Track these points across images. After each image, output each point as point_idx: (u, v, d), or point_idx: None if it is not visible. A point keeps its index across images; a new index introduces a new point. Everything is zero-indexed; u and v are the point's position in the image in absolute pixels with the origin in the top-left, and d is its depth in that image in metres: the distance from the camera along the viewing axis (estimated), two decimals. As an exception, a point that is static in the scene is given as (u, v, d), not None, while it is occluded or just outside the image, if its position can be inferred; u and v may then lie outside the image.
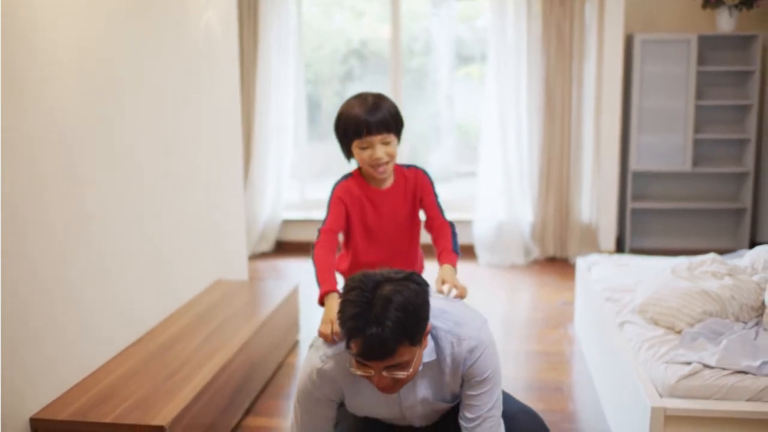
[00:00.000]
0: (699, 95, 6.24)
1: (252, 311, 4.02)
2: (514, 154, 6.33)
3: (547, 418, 2.47)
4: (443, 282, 2.45)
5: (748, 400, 2.69)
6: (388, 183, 2.72)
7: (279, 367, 4.14)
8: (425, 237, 2.83)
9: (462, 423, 2.19)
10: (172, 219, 3.94)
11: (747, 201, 6.33)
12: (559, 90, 6.23)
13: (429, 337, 2.11)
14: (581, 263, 4.59)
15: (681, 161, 6.28)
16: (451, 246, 2.65)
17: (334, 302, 2.20)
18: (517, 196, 6.39)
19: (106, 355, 3.29)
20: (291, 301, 4.42)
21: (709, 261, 3.55)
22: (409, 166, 2.79)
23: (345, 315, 1.92)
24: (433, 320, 2.11)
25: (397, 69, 6.68)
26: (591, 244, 6.33)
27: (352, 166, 2.81)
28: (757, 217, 6.44)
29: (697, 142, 6.31)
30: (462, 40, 6.88)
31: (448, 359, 2.14)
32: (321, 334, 2.19)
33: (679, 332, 3.14)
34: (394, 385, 2.00)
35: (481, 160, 6.42)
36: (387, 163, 2.61)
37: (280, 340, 4.16)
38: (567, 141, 6.30)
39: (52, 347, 2.88)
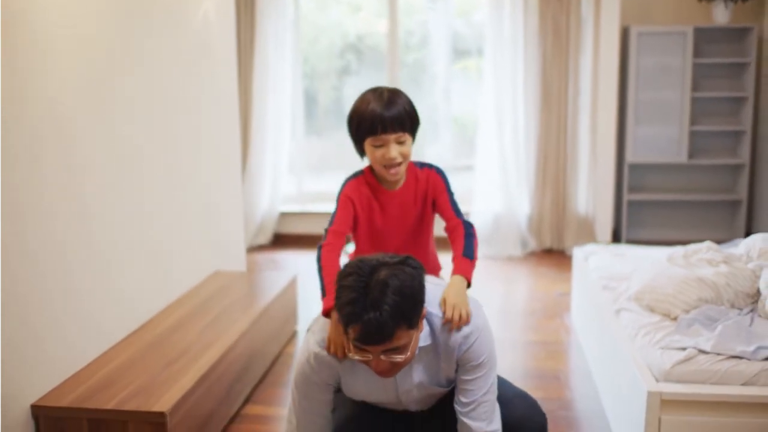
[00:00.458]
0: (695, 87, 6.27)
1: (250, 302, 4.04)
2: (511, 147, 6.35)
3: (544, 406, 2.49)
4: (444, 302, 2.21)
5: (743, 384, 2.71)
6: (399, 184, 2.54)
7: (277, 356, 4.16)
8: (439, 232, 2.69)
9: (457, 407, 2.21)
10: (170, 210, 3.96)
11: (743, 192, 6.36)
12: (555, 83, 6.25)
13: (424, 321, 2.13)
14: (578, 253, 4.62)
15: (677, 153, 6.31)
16: (462, 251, 2.43)
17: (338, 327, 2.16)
18: (514, 188, 6.42)
19: (105, 345, 3.31)
20: (289, 291, 4.44)
21: (704, 249, 3.57)
22: (422, 166, 2.59)
23: (342, 300, 1.93)
24: (428, 306, 2.12)
25: (394, 63, 6.70)
26: (587, 236, 6.35)
27: (362, 162, 2.63)
28: (753, 209, 6.47)
29: (693, 134, 6.34)
30: (459, 34, 6.90)
31: (443, 344, 2.16)
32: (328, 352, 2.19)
33: (675, 319, 3.16)
34: (392, 369, 2.01)
35: (478, 153, 6.45)
36: (400, 164, 2.44)
37: (278, 331, 4.18)
38: (563, 133, 6.32)
39: (51, 336, 2.90)
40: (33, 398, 2.79)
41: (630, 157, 6.34)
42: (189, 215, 4.21)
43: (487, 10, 6.22)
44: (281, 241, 6.87)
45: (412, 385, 2.21)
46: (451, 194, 2.57)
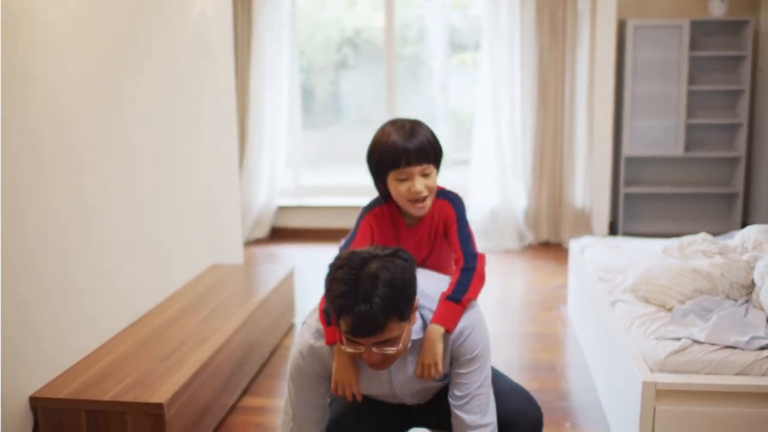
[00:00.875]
0: (691, 80, 6.28)
1: (247, 294, 4.05)
2: (508, 140, 6.36)
3: (540, 397, 2.50)
4: (419, 362, 2.16)
5: (737, 374, 2.73)
6: (416, 219, 2.40)
7: (275, 349, 4.18)
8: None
9: (451, 401, 2.21)
10: (168, 204, 3.97)
11: (739, 185, 6.37)
12: (552, 76, 6.26)
13: (417, 314, 2.13)
14: (574, 245, 4.63)
15: (673, 146, 6.32)
16: (450, 292, 2.20)
17: (345, 359, 2.15)
18: (511, 182, 6.43)
19: (103, 337, 3.32)
20: (286, 284, 4.46)
21: (699, 240, 3.59)
22: (440, 195, 2.40)
23: (333, 293, 1.93)
24: (421, 299, 2.13)
25: (391, 57, 6.70)
26: (584, 229, 6.36)
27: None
28: (749, 202, 6.48)
29: (689, 127, 6.35)
30: (455, 27, 6.90)
31: None
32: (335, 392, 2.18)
33: (670, 310, 3.18)
34: (384, 361, 2.02)
35: (475, 147, 6.46)
36: (426, 198, 2.29)
37: (275, 323, 4.20)
38: (560, 127, 6.33)
39: (49, 329, 2.91)
40: (31, 390, 2.81)
41: (627, 150, 6.36)
42: (186, 209, 4.22)
43: (484, 4, 6.22)
44: (279, 234, 6.88)
45: (407, 378, 2.22)
46: (462, 225, 2.38)
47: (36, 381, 2.84)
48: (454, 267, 2.34)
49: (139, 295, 3.67)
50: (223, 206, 4.83)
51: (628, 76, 6.25)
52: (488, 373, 2.23)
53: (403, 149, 2.24)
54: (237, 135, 5.23)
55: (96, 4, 3.25)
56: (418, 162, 2.25)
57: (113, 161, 3.39)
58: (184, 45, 4.19)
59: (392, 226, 2.40)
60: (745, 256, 3.41)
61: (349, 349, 1.98)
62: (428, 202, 2.31)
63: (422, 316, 2.16)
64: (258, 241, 6.73)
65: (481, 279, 2.27)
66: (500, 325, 4.56)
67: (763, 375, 2.71)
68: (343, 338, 1.98)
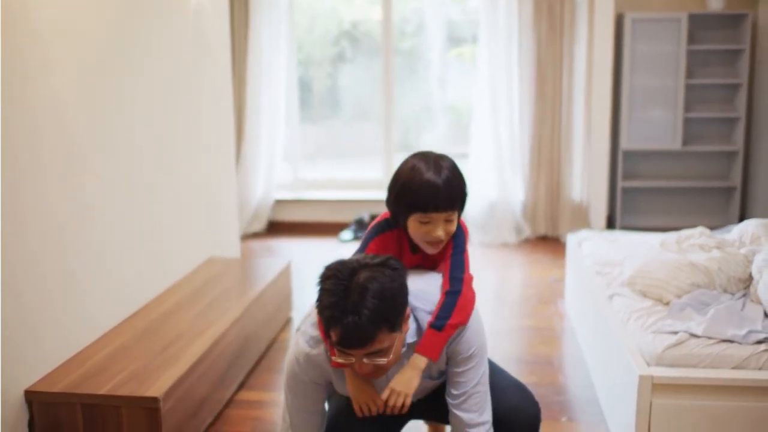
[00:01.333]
0: (689, 74, 6.26)
1: (244, 288, 4.04)
2: (506, 134, 6.35)
3: (537, 391, 2.50)
4: (390, 388, 2.14)
5: (734, 368, 2.72)
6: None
7: (272, 342, 4.17)
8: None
9: (448, 399, 2.21)
10: (165, 198, 3.96)
11: (737, 179, 6.37)
12: (550, 70, 6.24)
13: (411, 318, 2.12)
14: (572, 239, 4.63)
15: (671, 140, 6.31)
16: (434, 318, 2.15)
17: (357, 378, 2.14)
18: (509, 175, 6.42)
19: (99, 331, 3.31)
20: (283, 278, 4.45)
21: (697, 234, 3.59)
22: None
23: (322, 304, 1.92)
24: (415, 301, 2.12)
25: (389, 50, 6.69)
26: (582, 223, 6.36)
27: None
28: (747, 196, 6.47)
29: (687, 121, 6.34)
30: (453, 21, 6.88)
31: None
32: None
33: (667, 304, 3.17)
34: (376, 371, 2.00)
35: (473, 141, 6.45)
36: (443, 241, 2.25)
37: (272, 317, 4.19)
38: (558, 121, 6.32)
39: (45, 322, 2.91)
40: (27, 384, 2.80)
41: (624, 143, 6.34)
42: (183, 202, 4.21)
43: (482, -3, 6.21)
44: (276, 228, 6.87)
45: None
46: (456, 253, 2.30)
47: (31, 375, 2.83)
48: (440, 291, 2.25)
49: (136, 288, 3.66)
50: (220, 200, 4.82)
51: (625, 70, 6.23)
52: (485, 371, 2.22)
53: (434, 198, 2.15)
54: (234, 129, 5.22)
55: (94, 1, 3.25)
56: (445, 210, 2.18)
57: (109, 154, 3.38)
58: (181, 40, 4.18)
59: (398, 251, 2.34)
60: (742, 250, 3.40)
61: (340, 360, 1.97)
62: (443, 245, 2.26)
63: (417, 319, 2.15)
64: (255, 235, 6.72)
65: (468, 301, 2.21)
66: (497, 319, 4.55)
67: (760, 369, 2.71)
68: (334, 349, 1.97)
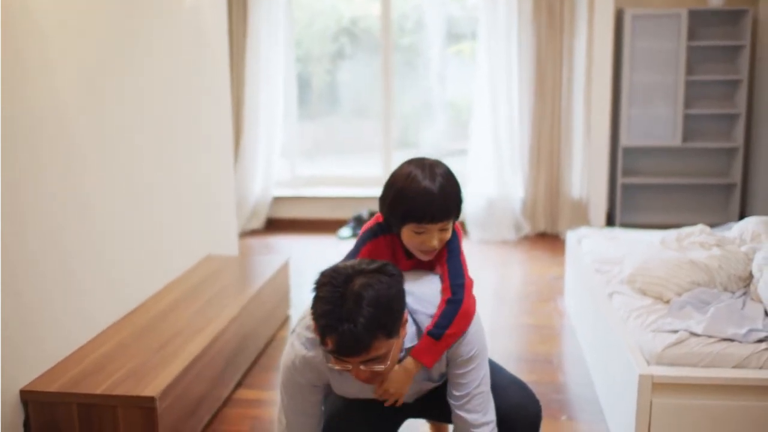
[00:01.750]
0: (689, 70, 6.24)
1: (242, 285, 4.03)
2: (505, 130, 6.33)
3: (537, 390, 2.48)
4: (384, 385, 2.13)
5: (734, 367, 2.70)
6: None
7: (270, 340, 4.16)
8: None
9: (450, 401, 2.19)
10: (163, 195, 3.94)
11: (737, 176, 6.35)
12: (549, 66, 6.22)
13: (410, 322, 2.10)
14: (571, 236, 4.61)
15: (671, 136, 6.29)
16: (433, 326, 2.12)
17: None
18: (508, 172, 6.40)
19: (96, 329, 3.29)
20: (281, 275, 4.43)
21: (697, 232, 3.57)
22: None
23: (317, 312, 1.89)
24: (415, 304, 2.10)
25: (388, 47, 6.66)
26: (581, 220, 6.34)
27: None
28: (747, 193, 6.46)
29: (687, 117, 6.32)
30: (453, 17, 6.86)
31: None
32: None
33: (667, 302, 3.15)
34: (374, 377, 1.99)
35: (472, 137, 6.43)
36: (437, 250, 2.20)
37: (270, 314, 4.18)
38: (558, 117, 6.30)
39: (42, 321, 2.89)
40: (23, 383, 2.78)
41: (624, 140, 6.33)
42: (181, 200, 4.19)
43: (481, -7, 6.19)
44: (274, 225, 6.85)
45: None
46: (452, 257, 2.25)
47: (28, 373, 2.81)
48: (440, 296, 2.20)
49: (134, 286, 3.64)
50: (218, 197, 4.80)
51: (625, 66, 6.21)
52: (486, 372, 2.21)
53: (429, 209, 2.10)
54: (232, 126, 5.20)
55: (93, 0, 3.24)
56: (441, 220, 2.14)
57: (108, 152, 3.37)
58: (180, 38, 4.16)
59: (392, 256, 2.29)
60: (743, 248, 3.39)
61: (337, 367, 1.95)
62: (436, 252, 2.22)
63: (417, 322, 2.13)
64: (254, 232, 6.71)
65: (468, 310, 2.17)
66: (497, 317, 4.54)
67: (761, 368, 2.69)
68: (331, 357, 1.95)
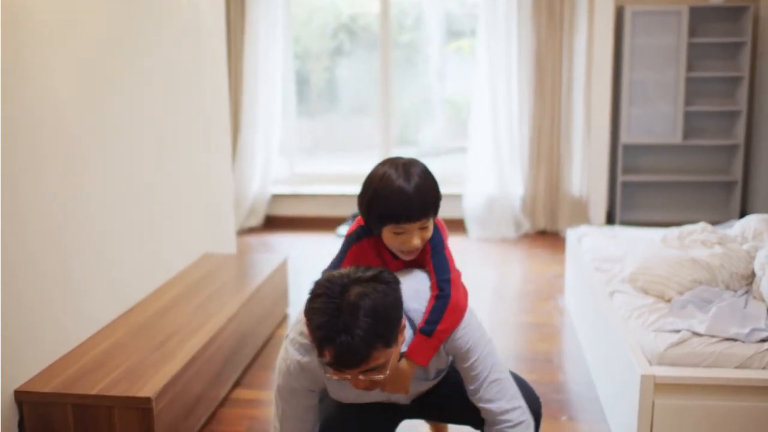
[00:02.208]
0: (690, 67, 6.21)
1: (240, 284, 4.00)
2: (505, 128, 6.30)
3: (537, 389, 2.45)
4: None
5: (737, 367, 2.68)
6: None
7: (268, 339, 4.13)
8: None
9: (470, 397, 2.16)
10: (161, 193, 3.92)
11: (738, 173, 6.32)
12: (549, 63, 6.19)
13: (407, 327, 2.07)
14: (571, 234, 4.58)
15: (672, 134, 6.26)
16: (424, 323, 2.10)
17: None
18: (508, 169, 6.38)
19: (93, 328, 3.27)
20: (280, 273, 4.40)
21: (699, 230, 3.54)
22: None
23: (313, 324, 1.84)
24: (410, 303, 2.07)
25: (387, 44, 6.63)
26: (581, 218, 6.32)
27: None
28: (748, 190, 6.43)
29: (687, 115, 6.29)
30: (452, 14, 6.83)
31: None
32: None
33: (669, 301, 3.13)
34: (373, 385, 1.95)
35: (471, 135, 6.39)
36: (420, 248, 2.17)
37: (268, 313, 4.15)
38: (557, 114, 6.27)
39: (38, 320, 2.86)
40: (17, 383, 2.75)
41: (624, 137, 6.30)
42: (179, 198, 4.17)
43: (481, -10, 6.16)
44: (273, 223, 6.82)
45: None
46: (436, 253, 2.22)
47: (23, 373, 2.78)
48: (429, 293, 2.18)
49: (132, 284, 3.62)
50: (216, 195, 4.78)
51: (626, 63, 6.18)
52: (495, 359, 2.17)
53: (406, 209, 2.07)
54: (230, 122, 5.17)
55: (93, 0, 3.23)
56: (419, 219, 2.10)
57: (106, 149, 3.35)
58: (179, 36, 4.13)
59: (377, 257, 2.25)
60: (745, 246, 3.36)
61: (335, 377, 1.92)
62: (419, 251, 2.19)
63: (413, 320, 2.10)
64: (252, 230, 6.68)
65: (458, 303, 2.13)
66: (496, 315, 4.51)
67: (764, 368, 2.67)
68: (328, 368, 1.91)
